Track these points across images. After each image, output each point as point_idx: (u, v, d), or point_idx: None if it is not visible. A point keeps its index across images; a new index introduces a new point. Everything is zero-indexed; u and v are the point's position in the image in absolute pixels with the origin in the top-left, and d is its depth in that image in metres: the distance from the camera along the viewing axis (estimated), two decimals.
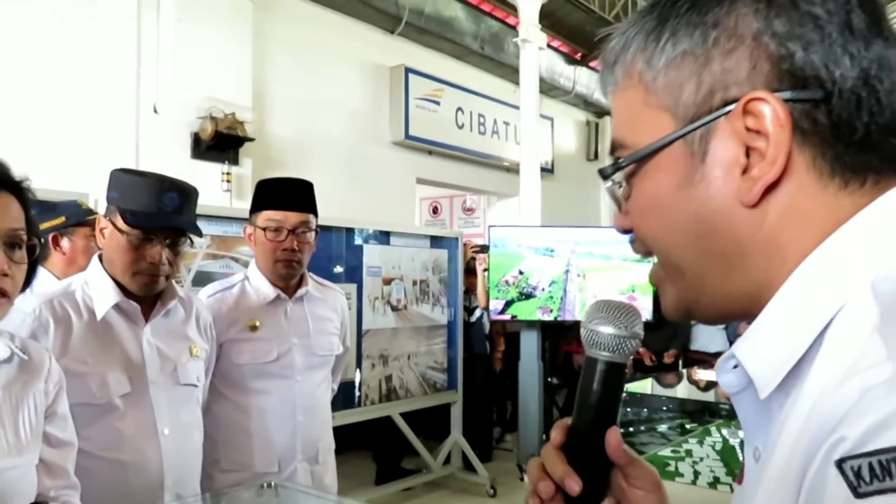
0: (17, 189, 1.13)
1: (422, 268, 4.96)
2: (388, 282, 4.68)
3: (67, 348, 1.56)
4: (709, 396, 3.78)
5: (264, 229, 2.04)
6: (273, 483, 1.65)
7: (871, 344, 0.40)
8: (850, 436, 0.36)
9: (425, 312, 4.98)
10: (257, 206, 2.08)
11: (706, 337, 5.92)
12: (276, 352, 2.06)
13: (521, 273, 5.15)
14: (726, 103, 0.50)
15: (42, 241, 1.19)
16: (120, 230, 1.61)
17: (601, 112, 10.34)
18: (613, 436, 0.64)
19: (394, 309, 4.72)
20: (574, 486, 0.63)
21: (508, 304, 5.14)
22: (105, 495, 1.54)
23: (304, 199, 2.08)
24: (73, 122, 4.40)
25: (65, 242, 2.51)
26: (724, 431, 2.85)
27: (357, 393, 4.44)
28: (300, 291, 2.14)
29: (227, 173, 5.14)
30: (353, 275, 4.44)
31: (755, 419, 0.53)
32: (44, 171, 3.96)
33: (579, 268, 5.20)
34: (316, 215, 2.12)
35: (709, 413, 3.37)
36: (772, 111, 0.48)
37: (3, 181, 1.11)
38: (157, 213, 1.60)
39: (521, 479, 5.19)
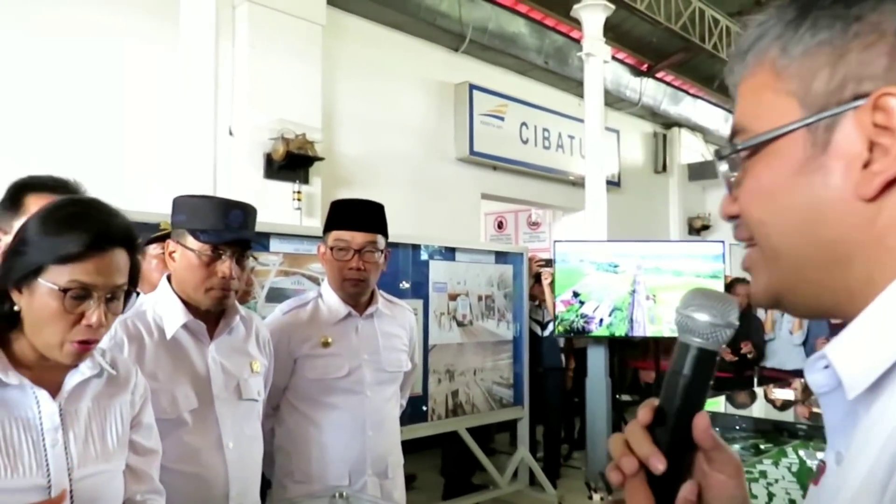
0: (131, 246, 1.23)
1: (487, 283, 4.97)
2: (453, 297, 4.72)
3: (140, 366, 1.63)
4: (786, 416, 3.64)
5: (332, 248, 2.10)
6: (345, 493, 1.69)
7: None
8: None
9: (491, 328, 4.99)
10: (328, 226, 2.15)
11: (784, 354, 5.71)
12: (346, 367, 2.10)
13: (575, 295, 5.09)
14: (857, 97, 0.51)
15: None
16: (191, 249, 1.69)
17: (668, 123, 10.16)
18: (702, 419, 0.65)
19: (459, 324, 4.74)
20: (658, 465, 0.64)
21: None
22: None
23: (372, 220, 2.12)
24: (154, 145, 4.63)
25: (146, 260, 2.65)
26: (802, 452, 2.74)
27: (424, 408, 4.48)
28: (370, 309, 2.18)
29: (298, 192, 5.30)
30: (420, 290, 4.50)
31: (840, 422, 0.53)
32: (126, 193, 4.19)
33: (648, 287, 5.08)
34: (385, 236, 2.16)
35: (785, 433, 3.24)
36: None
37: (123, 239, 1.21)
38: (225, 230, 1.68)
39: (590, 498, 5.11)
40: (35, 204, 1.68)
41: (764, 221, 0.57)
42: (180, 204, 1.76)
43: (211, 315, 1.76)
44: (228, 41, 5.05)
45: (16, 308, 1.16)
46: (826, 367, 0.54)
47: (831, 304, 0.55)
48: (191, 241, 1.69)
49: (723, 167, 0.60)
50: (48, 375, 1.20)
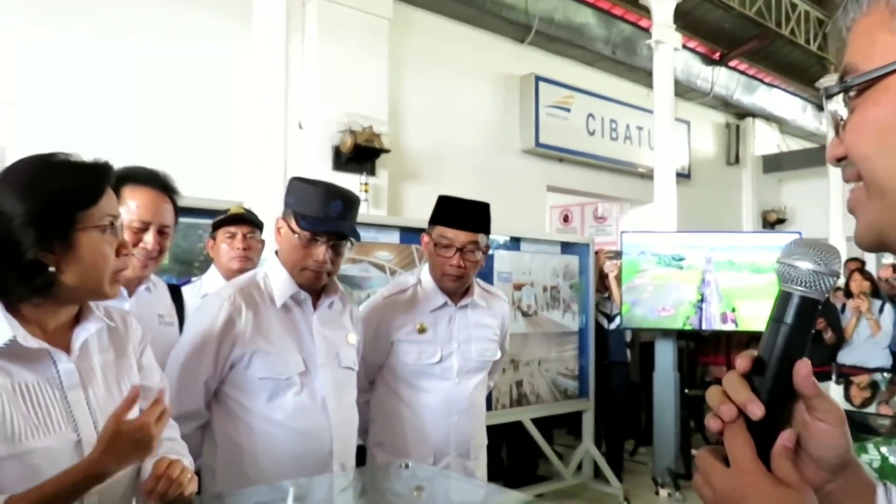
0: (117, 187, 1.36)
1: (552, 274, 4.95)
2: (518, 287, 4.71)
3: (257, 330, 1.78)
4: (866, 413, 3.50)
5: (436, 244, 2.18)
6: (408, 464, 1.75)
7: None
8: None
9: (556, 318, 4.96)
10: (434, 220, 2.22)
11: (864, 352, 5.46)
12: (439, 354, 2.21)
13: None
14: None
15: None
16: (292, 230, 1.81)
17: (742, 114, 9.84)
18: (804, 366, 0.64)
19: (524, 315, 4.74)
20: (757, 410, 0.63)
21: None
22: (288, 460, 1.76)
23: (477, 220, 2.19)
24: (229, 138, 4.80)
25: (212, 246, 2.78)
26: (884, 449, 2.63)
27: (488, 397, 4.50)
28: (465, 300, 2.27)
29: (365, 183, 5.39)
30: (485, 280, 4.51)
31: None
32: (203, 182, 4.36)
33: (721, 287, 4.88)
34: (487, 234, 2.23)
35: (864, 430, 3.11)
36: None
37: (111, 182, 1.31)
38: (323, 219, 1.79)
39: (657, 493, 5.03)
40: (130, 195, 1.82)
41: (870, 157, 0.57)
42: (292, 187, 1.88)
43: (314, 289, 1.89)
44: (298, 37, 5.18)
45: (51, 270, 1.18)
46: None
47: None
48: (293, 224, 1.81)
49: (831, 106, 0.60)
50: (55, 338, 1.25)
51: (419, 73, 6.11)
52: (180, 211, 3.34)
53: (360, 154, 5.35)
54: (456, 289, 2.23)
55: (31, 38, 4.20)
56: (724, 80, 8.87)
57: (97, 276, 1.22)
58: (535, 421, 4.86)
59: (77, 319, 1.30)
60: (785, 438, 0.64)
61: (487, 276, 4.54)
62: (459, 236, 2.14)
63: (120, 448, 1.16)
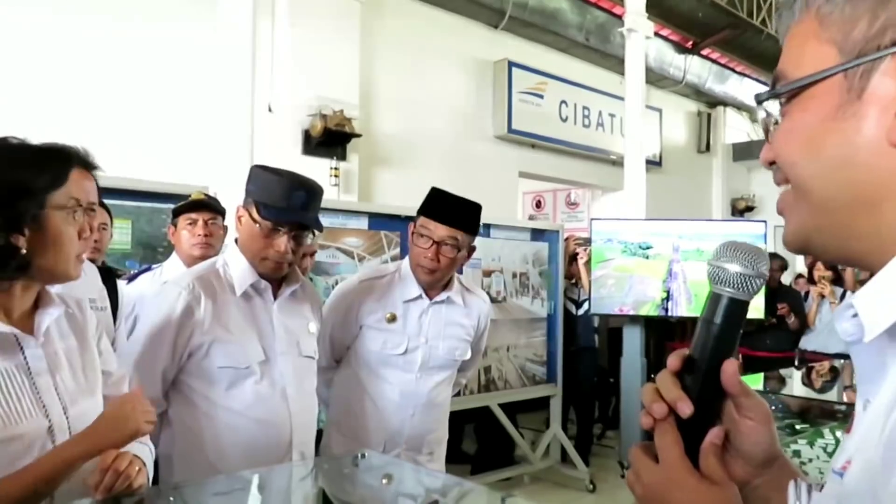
0: (92, 169, 1.36)
1: (522, 260, 4.97)
2: (487, 274, 4.73)
3: (217, 318, 1.77)
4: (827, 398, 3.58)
5: (417, 234, 2.15)
6: (364, 454, 1.76)
7: None
8: None
9: (525, 305, 4.99)
10: (421, 210, 2.19)
11: (826, 337, 5.58)
12: (405, 346, 2.19)
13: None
14: (894, 44, 0.51)
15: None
16: (254, 220, 1.79)
17: (713, 102, 9.93)
18: (731, 366, 0.66)
19: (493, 301, 4.75)
20: (686, 408, 0.65)
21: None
22: (247, 449, 1.76)
23: (462, 218, 2.15)
24: (196, 121, 4.72)
25: (173, 233, 2.75)
26: (839, 433, 2.69)
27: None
28: (441, 296, 2.24)
29: (335, 168, 5.35)
30: None
31: (871, 371, 0.55)
32: (168, 166, 4.29)
33: (689, 280, 4.87)
34: (472, 234, 2.19)
35: (822, 415, 3.18)
36: None
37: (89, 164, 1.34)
38: (286, 209, 1.76)
39: (622, 476, 5.11)
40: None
41: (796, 162, 0.58)
42: (255, 175, 1.86)
43: (274, 278, 1.88)
44: (268, 19, 5.10)
45: (23, 252, 1.19)
46: (854, 315, 0.55)
47: (859, 250, 0.56)
48: (255, 213, 1.79)
49: (762, 113, 0.62)
50: (20, 323, 1.25)
51: (391, 57, 6.06)
52: (145, 196, 3.31)
53: (331, 138, 5.30)
54: (429, 282, 2.20)
55: None
56: (696, 68, 8.94)
57: (64, 258, 1.23)
58: (505, 406, 4.90)
59: (36, 305, 1.29)
60: (713, 436, 0.66)
61: None
62: (438, 229, 2.11)
63: (106, 429, 1.22)
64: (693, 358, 0.68)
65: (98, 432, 1.23)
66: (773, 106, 0.60)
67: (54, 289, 1.35)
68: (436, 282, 2.20)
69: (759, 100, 0.61)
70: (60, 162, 1.25)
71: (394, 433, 2.19)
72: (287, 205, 1.76)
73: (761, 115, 0.62)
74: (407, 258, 2.26)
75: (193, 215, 2.69)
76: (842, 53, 0.54)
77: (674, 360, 0.69)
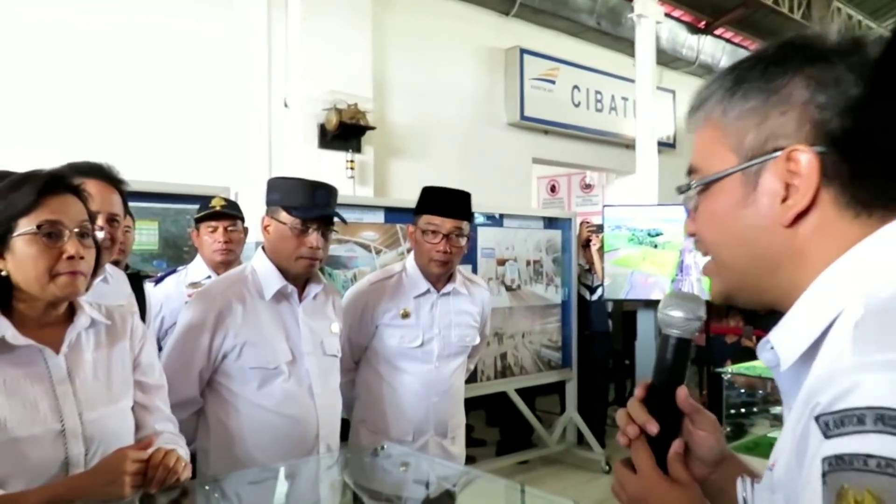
0: (79, 194, 1.41)
1: (535, 248, 5.06)
2: (501, 263, 4.83)
3: (247, 322, 1.91)
4: None
5: (423, 232, 2.29)
6: (384, 446, 1.89)
7: (847, 340, 0.57)
8: (822, 402, 0.54)
9: (539, 292, 5.10)
10: (420, 210, 2.34)
11: None
12: (420, 339, 2.34)
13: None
14: (776, 150, 0.68)
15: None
16: (283, 223, 1.92)
17: None
18: (682, 391, 0.86)
19: (508, 289, 4.87)
20: (653, 428, 0.84)
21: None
22: (278, 442, 1.90)
23: (460, 207, 2.32)
24: (214, 119, 4.85)
25: (196, 236, 2.87)
26: None
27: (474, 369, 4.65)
28: (447, 287, 2.40)
29: (351, 161, 5.46)
30: (468, 256, 4.63)
31: (789, 388, 0.68)
32: (190, 165, 4.43)
33: (700, 263, 4.91)
34: (470, 221, 2.36)
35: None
36: (807, 159, 0.65)
37: (71, 188, 1.39)
38: (313, 206, 1.92)
39: None
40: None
41: (715, 242, 0.76)
42: (275, 185, 2.00)
43: (299, 282, 2.00)
44: (282, 15, 5.19)
45: (3, 273, 1.32)
46: (771, 347, 0.70)
47: (770, 300, 0.74)
48: (283, 216, 1.92)
49: (682, 199, 0.80)
50: (50, 334, 1.38)
51: (403, 48, 6.13)
52: (170, 198, 3.44)
53: (346, 131, 5.39)
54: (442, 274, 2.35)
55: (2, 15, 4.21)
56: (709, 49, 8.90)
57: (29, 278, 1.32)
58: (522, 391, 5.03)
59: (71, 317, 1.42)
60: (676, 447, 0.85)
61: (471, 252, 4.65)
62: (446, 223, 2.26)
63: (98, 477, 1.31)
64: (654, 386, 0.87)
65: (82, 484, 1.32)
66: (690, 194, 0.78)
67: (89, 297, 1.48)
68: (448, 272, 2.36)
69: (681, 191, 0.78)
70: (29, 189, 1.33)
71: (421, 421, 2.33)
72: (313, 203, 1.92)
73: (682, 199, 0.79)
74: (410, 258, 2.40)
75: (214, 223, 2.81)
76: (738, 156, 0.71)
77: (639, 391, 0.88)
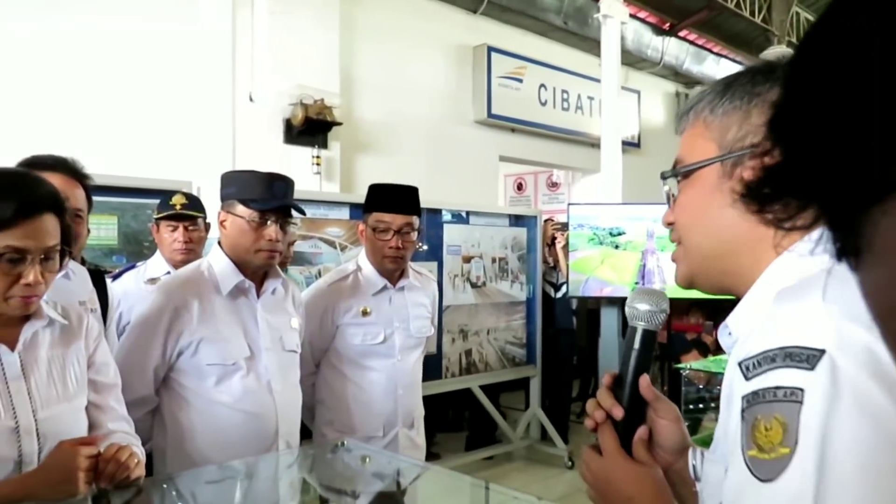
0: (58, 210, 1.37)
1: (501, 246, 5.10)
2: (467, 260, 4.85)
3: (203, 319, 1.89)
4: None
5: (374, 229, 2.30)
6: (344, 443, 1.89)
7: (769, 299, 0.62)
8: (744, 350, 0.58)
9: (504, 289, 5.13)
10: (369, 208, 2.36)
11: None
12: (382, 335, 2.37)
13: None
14: (753, 145, 0.76)
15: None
16: (241, 216, 1.91)
17: (691, 83, 10.03)
18: (644, 379, 0.92)
19: (473, 286, 4.89)
20: (618, 413, 0.91)
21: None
22: (236, 440, 1.88)
23: (410, 203, 2.35)
24: (177, 113, 4.78)
25: (156, 232, 2.83)
26: None
27: (439, 366, 4.66)
28: (402, 282, 2.43)
29: (317, 157, 5.42)
30: (434, 253, 4.64)
31: None
32: (152, 159, 4.36)
33: (663, 267, 4.85)
34: (419, 216, 2.39)
35: None
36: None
37: (50, 205, 1.34)
38: (271, 198, 1.91)
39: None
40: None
41: (687, 224, 0.83)
42: (230, 178, 1.98)
43: (257, 276, 1.99)
44: (248, 9, 5.14)
45: None
46: (730, 333, 0.78)
47: (730, 285, 0.81)
48: (241, 210, 1.91)
49: (665, 187, 0.87)
50: (5, 332, 1.37)
51: (371, 44, 6.11)
52: (130, 192, 3.39)
53: (312, 127, 5.36)
54: (395, 270, 2.38)
55: None
56: (674, 49, 9.03)
57: None
58: (488, 388, 5.06)
59: (28, 316, 1.41)
60: (640, 432, 0.91)
61: (437, 249, 4.66)
62: (396, 220, 2.28)
63: (50, 475, 1.30)
64: (621, 375, 0.93)
65: (33, 482, 1.30)
66: (673, 182, 0.86)
67: (50, 294, 1.46)
68: (401, 268, 2.39)
69: (664, 176, 0.85)
70: (7, 206, 1.28)
71: (390, 415, 2.36)
72: (271, 195, 1.90)
73: (665, 188, 0.85)
74: (361, 256, 2.42)
75: (174, 222, 2.77)
76: (720, 149, 0.79)
77: (607, 378, 0.95)
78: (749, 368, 0.57)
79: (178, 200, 2.83)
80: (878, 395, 0.46)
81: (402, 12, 6.36)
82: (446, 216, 4.77)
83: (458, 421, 5.79)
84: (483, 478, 2.00)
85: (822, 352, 0.50)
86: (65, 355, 1.47)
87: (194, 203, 2.89)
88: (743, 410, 0.55)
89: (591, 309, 6.10)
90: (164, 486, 1.71)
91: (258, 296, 2.00)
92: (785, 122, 0.25)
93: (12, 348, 1.37)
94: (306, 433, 2.31)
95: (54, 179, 1.78)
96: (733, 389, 0.60)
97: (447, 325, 4.72)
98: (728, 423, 0.63)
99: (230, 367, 1.90)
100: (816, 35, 0.26)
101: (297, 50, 5.34)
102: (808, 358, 0.51)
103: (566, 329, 5.65)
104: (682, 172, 0.83)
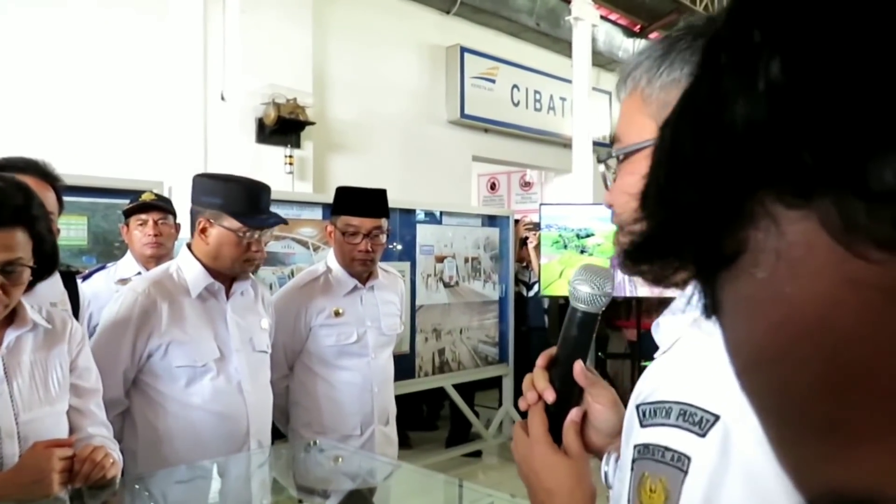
0: (27, 223, 1.35)
1: (474, 246, 5.13)
2: (440, 259, 4.88)
3: (173, 321, 1.89)
4: None
5: (343, 233, 2.32)
6: (317, 442, 1.91)
7: (679, 350, 0.61)
8: (644, 392, 0.58)
9: (477, 289, 5.17)
10: (337, 210, 2.38)
11: None
12: (355, 334, 2.39)
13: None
14: None
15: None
16: (229, 229, 1.91)
17: None
18: (577, 365, 0.87)
19: (446, 285, 4.92)
20: (549, 396, 0.87)
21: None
22: (207, 440, 1.89)
23: (378, 206, 2.37)
24: (148, 112, 4.74)
25: (126, 232, 2.82)
26: None
27: (412, 365, 4.69)
28: (372, 281, 2.45)
29: (290, 156, 5.41)
30: (407, 253, 4.66)
31: None
32: (122, 158, 4.32)
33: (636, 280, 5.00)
34: (388, 218, 2.41)
35: None
36: None
37: (15, 218, 1.33)
38: (260, 212, 1.94)
39: None
40: None
41: (626, 210, 0.74)
42: (212, 187, 1.97)
43: (226, 278, 2.00)
44: (219, 7, 5.10)
45: None
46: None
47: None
48: (229, 223, 1.91)
49: (602, 168, 0.79)
50: None
51: (344, 43, 6.11)
52: (100, 192, 3.36)
53: (285, 126, 5.34)
54: (364, 272, 2.40)
55: None
56: None
57: None
58: (462, 386, 5.10)
59: (11, 320, 1.41)
60: (572, 415, 0.87)
61: (410, 248, 4.69)
62: (365, 223, 2.31)
63: (24, 475, 1.30)
64: (557, 357, 0.89)
65: (7, 482, 1.31)
66: (612, 163, 0.78)
67: (31, 299, 1.46)
68: (370, 270, 2.41)
69: (601, 159, 0.79)
70: None
71: (366, 413, 2.38)
72: (258, 208, 1.93)
73: (601, 169, 0.80)
74: (330, 256, 2.44)
75: (143, 216, 2.76)
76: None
77: (542, 359, 0.90)
78: (645, 415, 0.56)
79: (147, 196, 2.83)
80: (766, 467, 0.43)
81: (375, 12, 6.37)
82: (420, 216, 4.79)
83: (432, 419, 5.82)
84: (457, 475, 2.03)
85: (717, 418, 0.49)
86: (48, 359, 1.48)
87: (164, 200, 2.90)
88: (634, 460, 0.55)
89: (562, 306, 6.17)
90: (136, 486, 1.72)
91: (227, 297, 2.01)
92: (644, 195, 0.27)
93: None
94: (278, 434, 2.32)
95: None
96: (630, 430, 0.59)
97: (420, 324, 4.74)
98: (624, 455, 0.62)
99: (200, 369, 1.91)
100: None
101: (270, 49, 5.33)
102: (701, 421, 0.50)
103: (538, 327, 5.71)
104: (620, 154, 0.75)
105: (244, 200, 1.92)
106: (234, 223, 1.91)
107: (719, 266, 0.22)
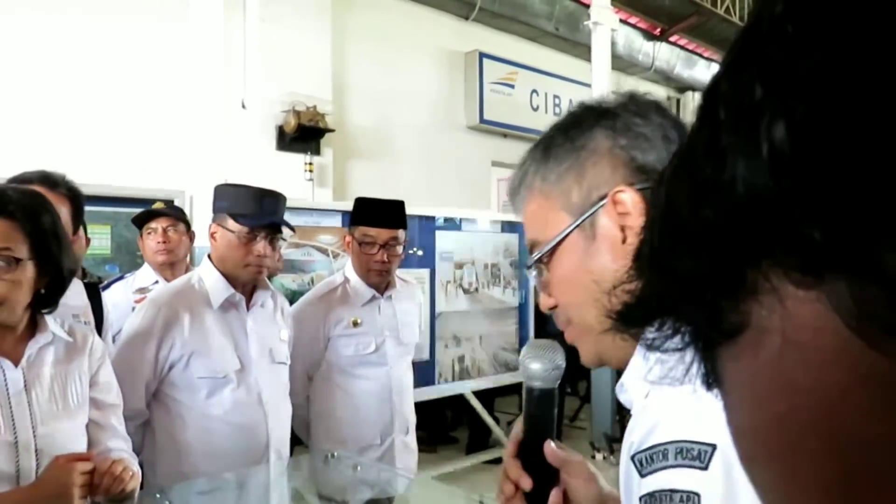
0: (22, 217, 1.35)
1: (493, 252, 5.12)
2: (459, 266, 4.87)
3: (194, 332, 1.90)
4: None
5: (360, 243, 2.33)
6: (335, 453, 1.91)
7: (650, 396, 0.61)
8: (635, 440, 0.56)
9: (496, 295, 5.15)
10: (355, 221, 2.38)
11: None
12: (374, 344, 2.39)
13: None
14: (601, 198, 0.70)
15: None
16: (229, 230, 1.93)
17: (682, 87, 10.09)
18: (548, 447, 0.84)
19: (466, 292, 4.91)
20: (526, 484, 0.83)
21: None
22: (227, 452, 1.90)
23: (396, 217, 2.37)
24: (169, 121, 4.79)
25: (141, 242, 2.85)
26: None
27: (432, 372, 4.68)
28: (390, 291, 2.45)
29: (310, 163, 5.44)
30: (427, 260, 4.66)
31: None
32: (144, 167, 4.37)
33: None
34: (405, 229, 2.41)
35: None
36: (630, 197, 0.68)
37: (7, 210, 1.34)
38: (261, 214, 1.94)
39: (593, 457, 5.31)
40: None
41: (571, 303, 0.75)
42: (222, 192, 2.00)
43: (246, 289, 2.01)
44: (239, 15, 5.15)
45: None
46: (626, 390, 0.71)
47: (634, 351, 0.71)
48: (231, 224, 1.93)
49: (533, 273, 0.78)
50: (10, 347, 1.39)
51: (363, 50, 6.13)
52: (122, 201, 3.40)
53: (305, 134, 5.38)
54: (381, 282, 2.41)
55: None
56: (664, 55, 9.09)
57: None
58: (482, 393, 5.08)
59: (34, 332, 1.43)
60: (553, 497, 0.84)
61: (429, 255, 4.68)
62: (382, 234, 2.31)
63: (45, 490, 1.31)
64: (526, 440, 0.85)
65: (28, 497, 1.32)
66: (541, 267, 0.77)
67: (56, 313, 1.48)
68: (386, 280, 2.42)
69: (528, 266, 0.78)
70: None
71: (386, 423, 2.38)
72: (261, 210, 1.93)
73: (532, 273, 0.78)
74: (348, 267, 2.44)
75: (153, 224, 2.79)
76: (570, 215, 0.72)
77: (510, 447, 0.87)
78: (642, 463, 0.55)
79: (157, 205, 2.87)
80: None
81: (394, 19, 6.39)
82: (439, 222, 4.79)
83: (454, 426, 5.80)
84: (477, 482, 2.01)
85: (714, 447, 0.49)
86: (67, 373, 1.49)
87: (174, 208, 2.94)
88: None
89: None
90: (157, 496, 1.72)
91: (248, 308, 2.02)
92: (638, 256, 0.25)
93: (16, 364, 1.38)
94: (296, 444, 2.32)
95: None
96: (630, 483, 0.58)
97: (440, 331, 4.73)
98: None
99: (221, 381, 1.91)
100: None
101: (289, 57, 5.36)
102: (699, 455, 0.50)
103: (558, 333, 5.65)
104: (545, 254, 0.74)
105: (247, 204, 1.93)
106: (233, 224, 1.93)
107: (718, 340, 0.20)
